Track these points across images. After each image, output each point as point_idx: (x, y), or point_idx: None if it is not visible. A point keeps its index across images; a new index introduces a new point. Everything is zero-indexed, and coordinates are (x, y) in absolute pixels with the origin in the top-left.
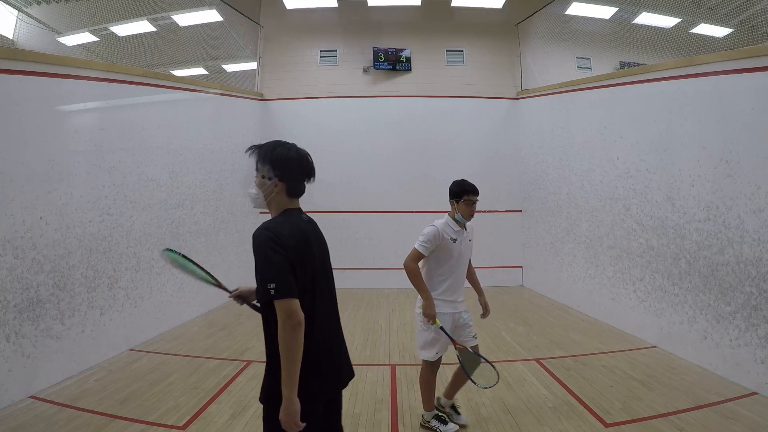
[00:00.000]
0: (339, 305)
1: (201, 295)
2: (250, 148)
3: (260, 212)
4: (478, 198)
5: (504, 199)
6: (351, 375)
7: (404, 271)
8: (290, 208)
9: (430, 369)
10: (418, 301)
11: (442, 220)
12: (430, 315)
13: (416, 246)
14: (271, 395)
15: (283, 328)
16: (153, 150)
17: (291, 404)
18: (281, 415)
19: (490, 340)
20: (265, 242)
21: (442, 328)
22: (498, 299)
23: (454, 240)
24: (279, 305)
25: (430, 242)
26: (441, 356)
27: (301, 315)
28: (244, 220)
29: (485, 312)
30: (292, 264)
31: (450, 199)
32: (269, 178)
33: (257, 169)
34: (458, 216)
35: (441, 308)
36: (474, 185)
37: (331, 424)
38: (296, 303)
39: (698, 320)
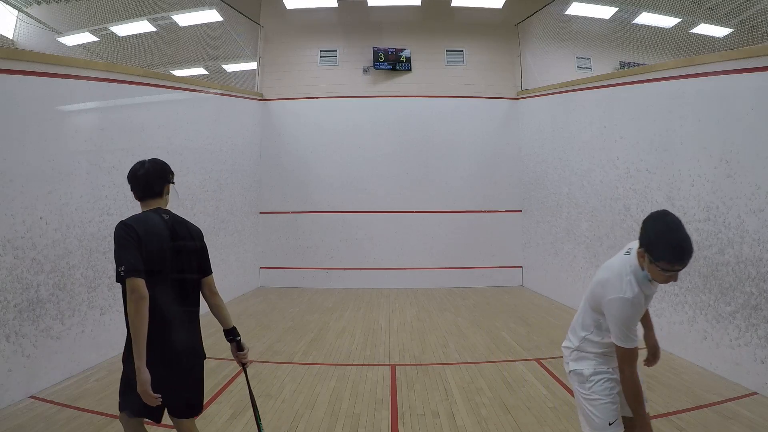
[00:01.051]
0: (339, 305)
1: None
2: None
3: (260, 212)
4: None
5: (504, 199)
6: (196, 359)
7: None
8: (148, 209)
9: None
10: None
11: (630, 277)
12: None
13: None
14: (124, 359)
15: (129, 302)
16: (153, 150)
17: (141, 373)
18: (138, 388)
19: (490, 340)
20: (117, 233)
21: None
22: (498, 299)
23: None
24: (127, 283)
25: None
26: None
27: (144, 291)
28: (244, 220)
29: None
30: (139, 250)
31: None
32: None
33: None
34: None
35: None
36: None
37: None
38: (139, 281)
39: (698, 320)
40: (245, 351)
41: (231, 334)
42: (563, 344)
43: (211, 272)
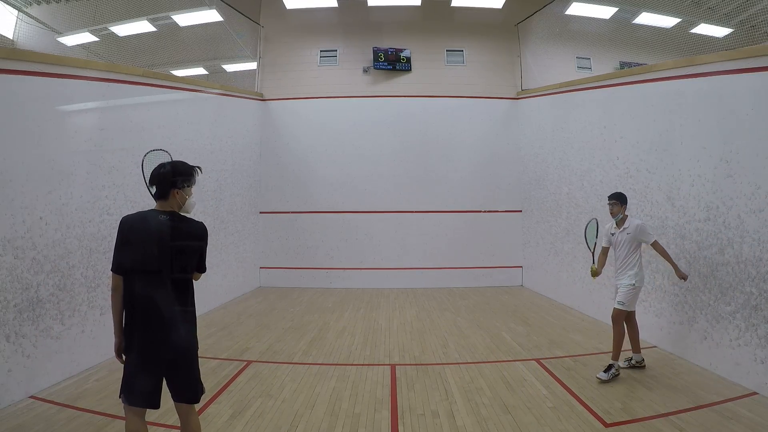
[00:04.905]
0: (339, 305)
1: (200, 295)
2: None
3: (260, 212)
4: (609, 202)
5: (504, 199)
6: (176, 350)
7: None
8: (152, 208)
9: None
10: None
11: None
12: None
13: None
14: (125, 350)
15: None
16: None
17: (115, 339)
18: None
19: (490, 340)
20: (118, 226)
21: None
22: (498, 299)
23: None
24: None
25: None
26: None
27: (115, 283)
28: (244, 220)
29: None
30: (123, 246)
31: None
32: None
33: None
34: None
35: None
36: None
37: (171, 380)
38: (115, 276)
39: (698, 320)
40: None
41: None
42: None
43: (204, 270)
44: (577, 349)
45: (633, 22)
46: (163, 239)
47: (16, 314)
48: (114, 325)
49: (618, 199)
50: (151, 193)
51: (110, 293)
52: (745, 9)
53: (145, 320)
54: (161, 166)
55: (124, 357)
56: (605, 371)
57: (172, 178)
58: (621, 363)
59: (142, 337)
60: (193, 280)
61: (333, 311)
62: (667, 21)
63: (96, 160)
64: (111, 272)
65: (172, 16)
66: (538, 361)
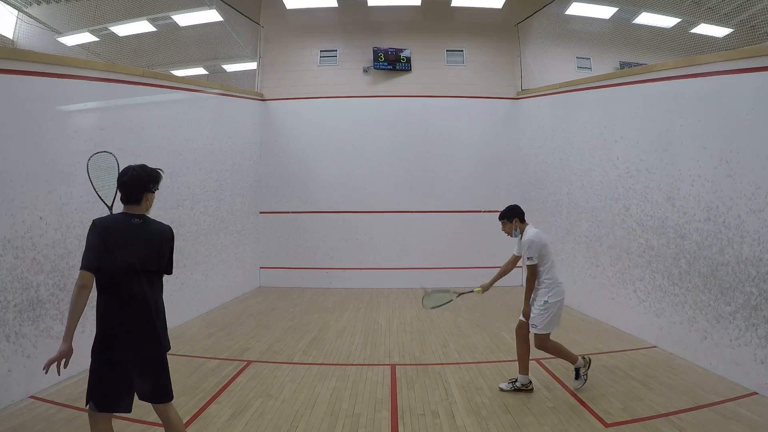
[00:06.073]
0: (339, 305)
1: (201, 295)
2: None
3: (260, 212)
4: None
5: (504, 199)
6: (156, 349)
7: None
8: (122, 212)
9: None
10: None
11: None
12: None
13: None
14: (94, 351)
15: (75, 287)
16: (153, 150)
17: (62, 344)
18: (56, 355)
19: (490, 340)
20: (90, 228)
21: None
22: (498, 299)
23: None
24: (80, 274)
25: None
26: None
27: (86, 282)
28: (244, 220)
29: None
30: (97, 246)
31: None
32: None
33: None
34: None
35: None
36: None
37: (147, 381)
38: (87, 274)
39: (698, 320)
40: None
41: None
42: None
43: (171, 272)
44: (577, 349)
45: (633, 22)
46: (143, 242)
47: (16, 314)
48: (69, 328)
49: (504, 218)
50: (99, 195)
51: (75, 291)
52: (745, 9)
53: (130, 322)
54: (129, 170)
55: (64, 365)
56: (576, 378)
57: (146, 183)
58: (504, 385)
59: (126, 339)
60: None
61: (333, 311)
62: (667, 21)
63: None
64: (81, 270)
65: (172, 16)
66: (538, 361)
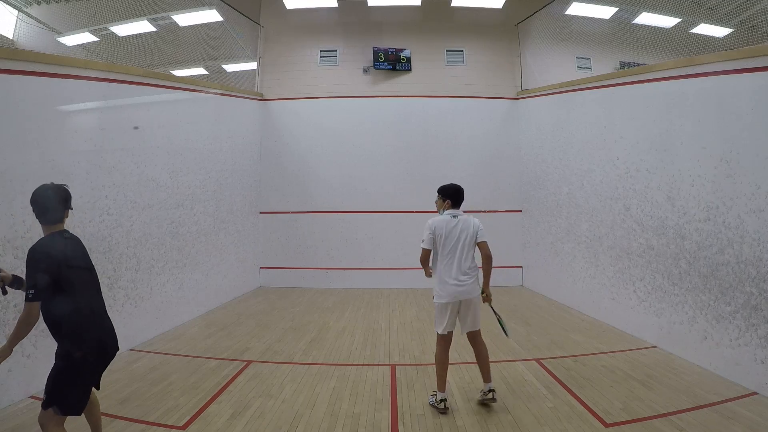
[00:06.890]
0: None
1: (201, 295)
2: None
3: (260, 212)
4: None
5: (504, 199)
6: (116, 348)
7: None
8: (54, 231)
9: None
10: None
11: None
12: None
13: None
14: (61, 355)
15: (24, 319)
16: (153, 150)
17: (5, 354)
18: None
19: (490, 340)
20: (30, 256)
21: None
22: (498, 299)
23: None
24: (28, 306)
25: None
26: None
27: (36, 317)
28: (243, 220)
29: None
30: (55, 270)
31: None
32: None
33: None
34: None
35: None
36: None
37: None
38: (36, 305)
39: (698, 320)
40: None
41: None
42: (469, 280)
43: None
44: (577, 349)
45: (633, 22)
46: (83, 254)
47: (16, 314)
48: (10, 343)
49: (439, 192)
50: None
51: (25, 322)
52: (745, 9)
53: (97, 325)
54: (45, 189)
55: None
56: (430, 403)
57: (66, 201)
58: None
59: (98, 341)
60: None
61: (333, 311)
62: (667, 21)
63: (96, 160)
64: (28, 303)
65: (172, 16)
66: (538, 361)
